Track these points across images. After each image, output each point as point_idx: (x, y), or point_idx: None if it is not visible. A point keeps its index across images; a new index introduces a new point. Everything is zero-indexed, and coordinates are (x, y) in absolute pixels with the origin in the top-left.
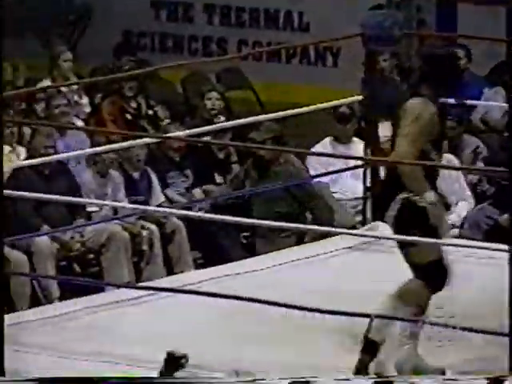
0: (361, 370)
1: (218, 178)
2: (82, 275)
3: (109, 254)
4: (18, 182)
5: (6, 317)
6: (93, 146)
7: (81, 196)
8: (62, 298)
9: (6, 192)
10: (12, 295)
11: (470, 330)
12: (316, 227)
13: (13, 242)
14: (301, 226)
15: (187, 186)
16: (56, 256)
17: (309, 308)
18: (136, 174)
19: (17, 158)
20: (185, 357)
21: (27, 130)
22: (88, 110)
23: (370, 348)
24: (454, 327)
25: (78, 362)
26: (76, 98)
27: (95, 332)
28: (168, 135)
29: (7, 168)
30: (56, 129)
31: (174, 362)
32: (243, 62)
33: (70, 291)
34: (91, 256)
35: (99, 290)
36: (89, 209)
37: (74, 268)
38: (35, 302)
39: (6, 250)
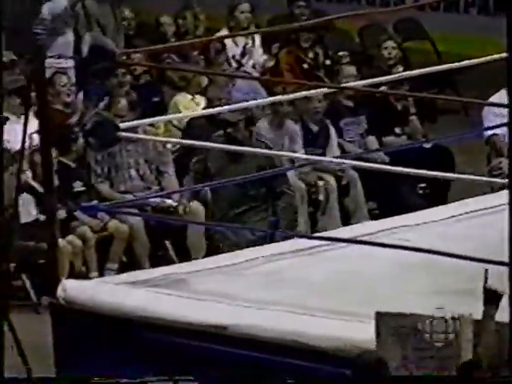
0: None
1: (397, 129)
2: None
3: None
4: (194, 131)
5: (182, 265)
6: (269, 95)
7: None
8: None
9: (185, 141)
10: (188, 244)
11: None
12: (493, 179)
13: (193, 192)
14: (476, 177)
15: (361, 133)
16: None
17: (484, 259)
18: (315, 127)
19: (196, 106)
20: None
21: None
22: (265, 60)
23: (492, 298)
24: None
25: (260, 310)
26: (253, 48)
27: (273, 281)
28: (345, 85)
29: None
30: (230, 79)
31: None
32: (421, 13)
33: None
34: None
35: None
36: None
37: None
38: (212, 251)
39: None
